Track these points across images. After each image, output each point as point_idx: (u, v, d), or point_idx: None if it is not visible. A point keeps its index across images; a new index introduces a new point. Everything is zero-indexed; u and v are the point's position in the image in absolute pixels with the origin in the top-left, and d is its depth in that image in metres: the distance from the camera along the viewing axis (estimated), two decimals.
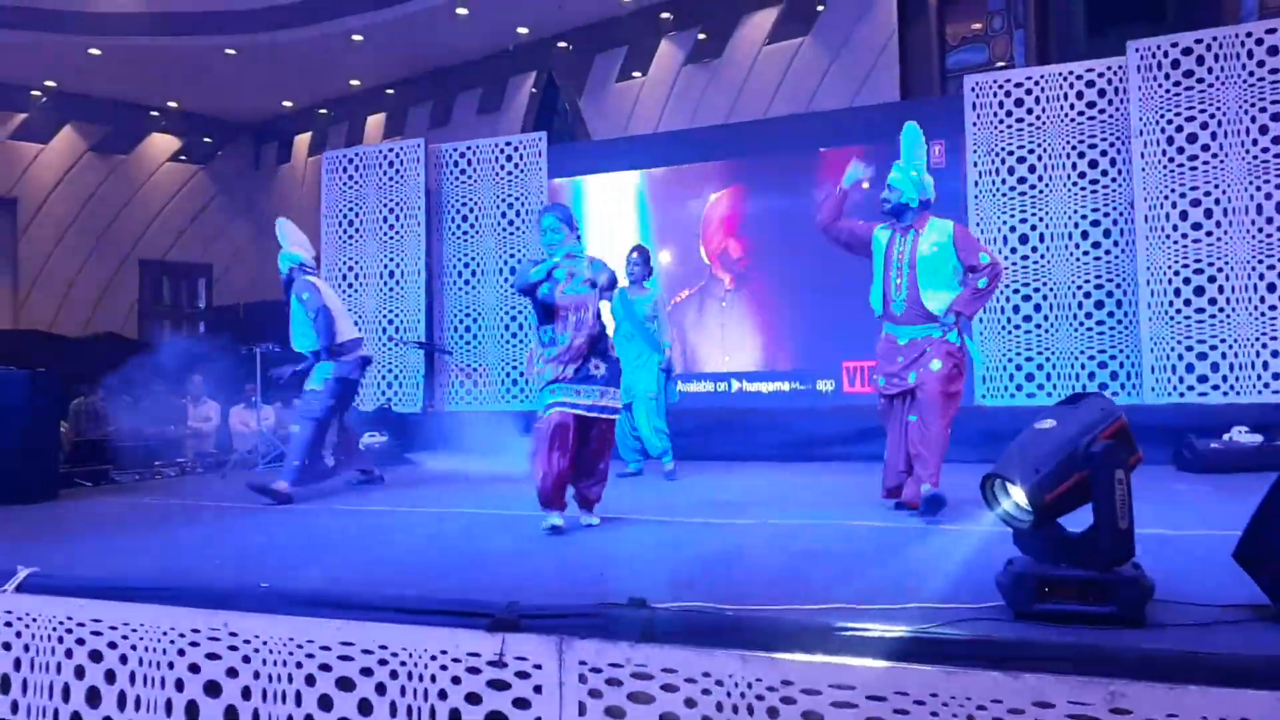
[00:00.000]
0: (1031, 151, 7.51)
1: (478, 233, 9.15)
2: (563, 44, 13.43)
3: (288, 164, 16.68)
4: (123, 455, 7.45)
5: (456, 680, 2.51)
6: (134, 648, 2.92)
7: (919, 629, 2.20)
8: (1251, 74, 6.84)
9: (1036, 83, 7.56)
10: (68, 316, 14.02)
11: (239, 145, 16.83)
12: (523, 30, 13.10)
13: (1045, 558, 2.32)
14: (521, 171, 9.08)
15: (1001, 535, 2.50)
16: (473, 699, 2.49)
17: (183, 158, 16.21)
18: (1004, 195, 7.55)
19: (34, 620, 3.07)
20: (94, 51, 13.07)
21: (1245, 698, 1.89)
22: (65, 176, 15.27)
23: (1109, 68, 7.38)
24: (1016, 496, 2.33)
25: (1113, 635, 2.13)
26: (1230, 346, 6.77)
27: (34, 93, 14.75)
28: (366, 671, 2.62)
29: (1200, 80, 6.96)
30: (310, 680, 2.68)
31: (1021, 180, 7.52)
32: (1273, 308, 6.68)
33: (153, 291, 15.78)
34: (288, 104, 15.98)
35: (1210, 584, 2.53)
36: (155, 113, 15.79)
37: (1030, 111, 7.53)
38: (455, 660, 2.51)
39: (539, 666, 2.42)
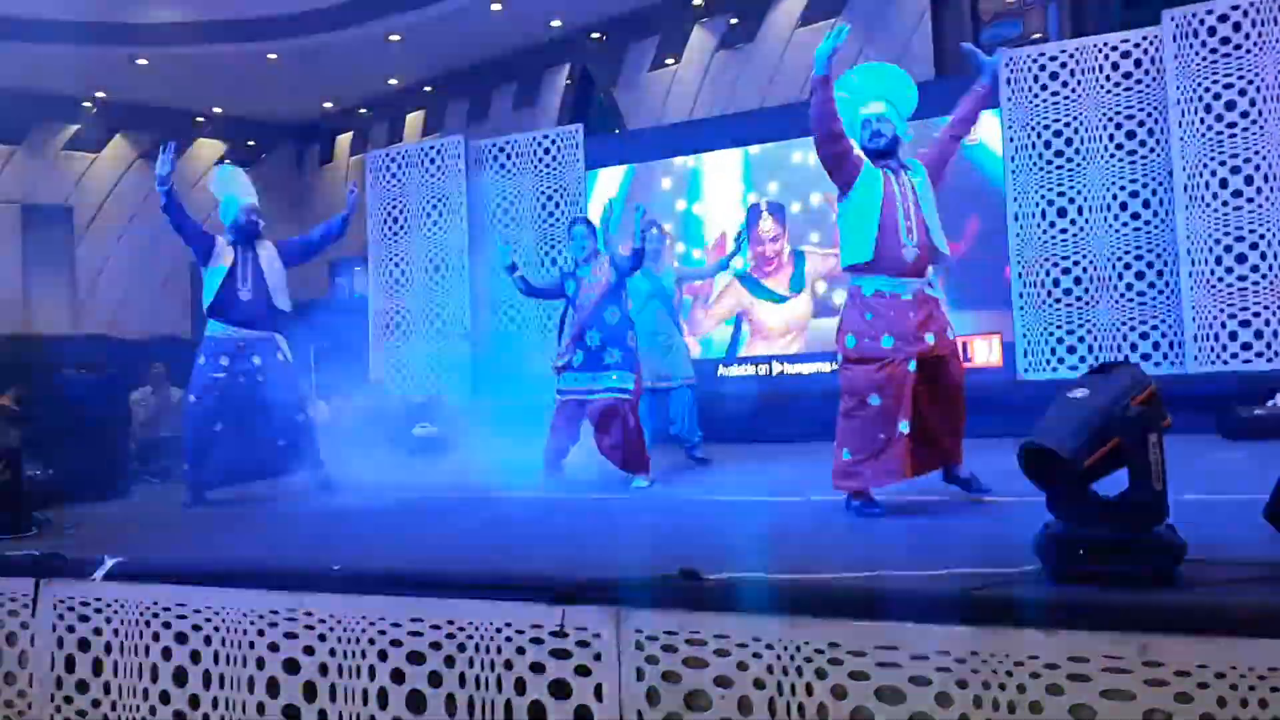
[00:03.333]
0: (1068, 125, 7.50)
1: (519, 225, 9.32)
2: (595, 35, 13.53)
3: (330, 164, 16.98)
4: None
5: (521, 651, 2.65)
6: (216, 629, 3.09)
7: (959, 591, 2.31)
8: None
9: (1071, 55, 7.54)
10: (125, 320, 14.43)
11: (282, 147, 17.17)
12: (556, 23, 13.20)
13: (1080, 521, 2.40)
14: (560, 164, 9.23)
15: (1037, 502, 2.59)
16: (536, 668, 2.63)
17: (228, 161, 16.59)
18: (1041, 169, 7.55)
19: (122, 606, 3.26)
20: (141, 62, 13.42)
21: (1271, 647, 1.97)
22: (117, 184, 15.71)
23: (1144, 38, 7.34)
24: (1047, 462, 2.42)
25: (1146, 593, 2.22)
26: (1274, 313, 6.74)
27: (85, 104, 15.18)
28: (435, 645, 2.77)
29: (1238, 47, 6.91)
30: (383, 655, 2.84)
31: (1059, 154, 7.52)
32: None
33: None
34: (328, 105, 16.27)
35: (1243, 544, 2.60)
36: (200, 119, 16.16)
37: (1065, 85, 7.52)
38: (519, 632, 2.65)
39: (598, 635, 2.55)
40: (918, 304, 3.92)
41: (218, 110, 16.15)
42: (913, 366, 3.85)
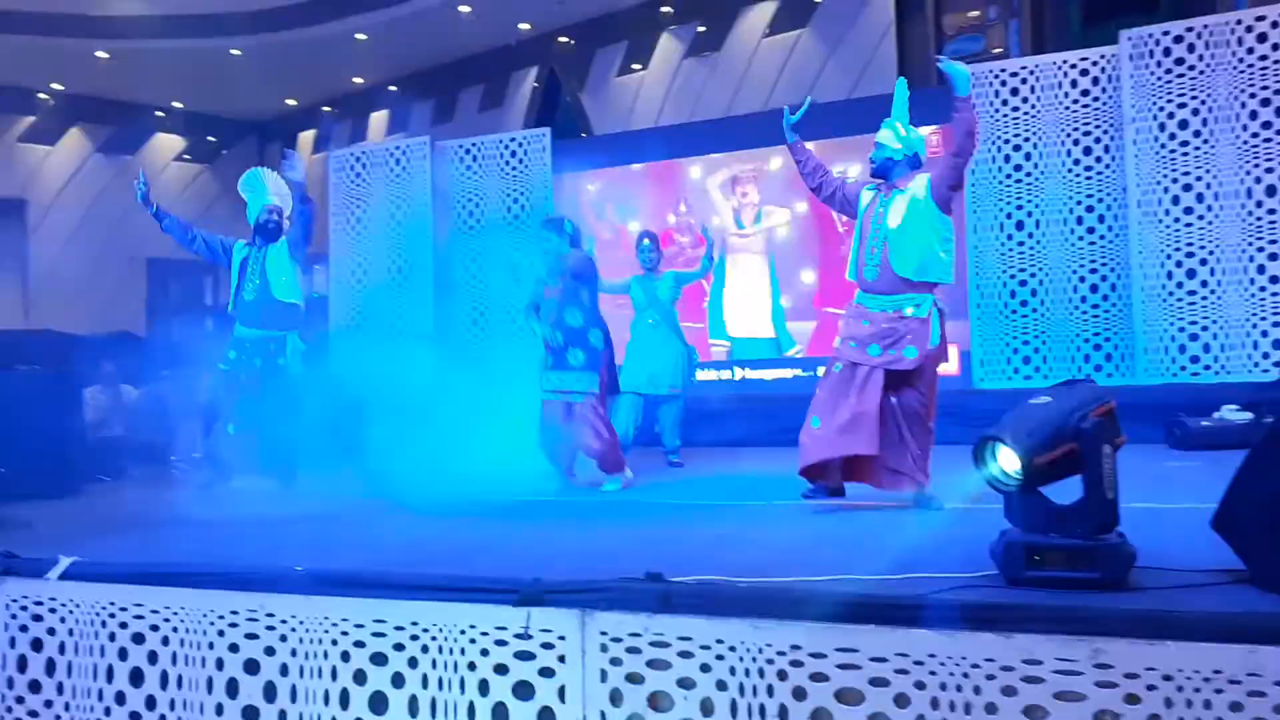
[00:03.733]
0: (1027, 139, 7.66)
1: (485, 227, 9.30)
2: (564, 39, 13.55)
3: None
4: (140, 450, 7.60)
5: (485, 652, 2.66)
6: (175, 630, 3.06)
7: (918, 595, 2.36)
8: (1242, 60, 6.98)
9: (1031, 72, 7.70)
10: (77, 316, 14.18)
11: (243, 144, 16.98)
12: (524, 26, 13.22)
13: (1035, 528, 2.48)
14: (526, 167, 9.23)
15: (993, 510, 2.66)
16: (500, 669, 2.64)
17: (188, 157, 16.38)
18: (1000, 183, 7.69)
19: (78, 606, 3.21)
20: (101, 54, 13.22)
21: (1216, 651, 2.04)
22: (73, 178, 15.44)
23: (1102, 56, 7.52)
24: (1007, 459, 2.49)
25: (1097, 597, 2.29)
26: (1221, 327, 6.93)
27: (41, 95, 14.91)
28: (399, 647, 2.77)
29: (1191, 68, 7.10)
30: (345, 656, 2.83)
31: (1018, 168, 7.67)
32: (1262, 289, 6.84)
33: (160, 290, 15.96)
34: (291, 102, 16.13)
35: (1191, 552, 2.68)
36: (160, 113, 15.93)
37: (1025, 100, 7.68)
38: (483, 634, 2.66)
39: (563, 638, 2.57)
40: (878, 318, 4.08)
41: (178, 105, 15.95)
42: (838, 369, 4.13)
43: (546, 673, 2.59)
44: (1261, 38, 6.93)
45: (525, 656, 2.61)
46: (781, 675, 2.35)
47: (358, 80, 15.25)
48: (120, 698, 3.10)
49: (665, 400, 6.47)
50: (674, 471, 6.21)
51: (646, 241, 6.64)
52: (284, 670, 2.90)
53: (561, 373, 5.26)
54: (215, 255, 5.83)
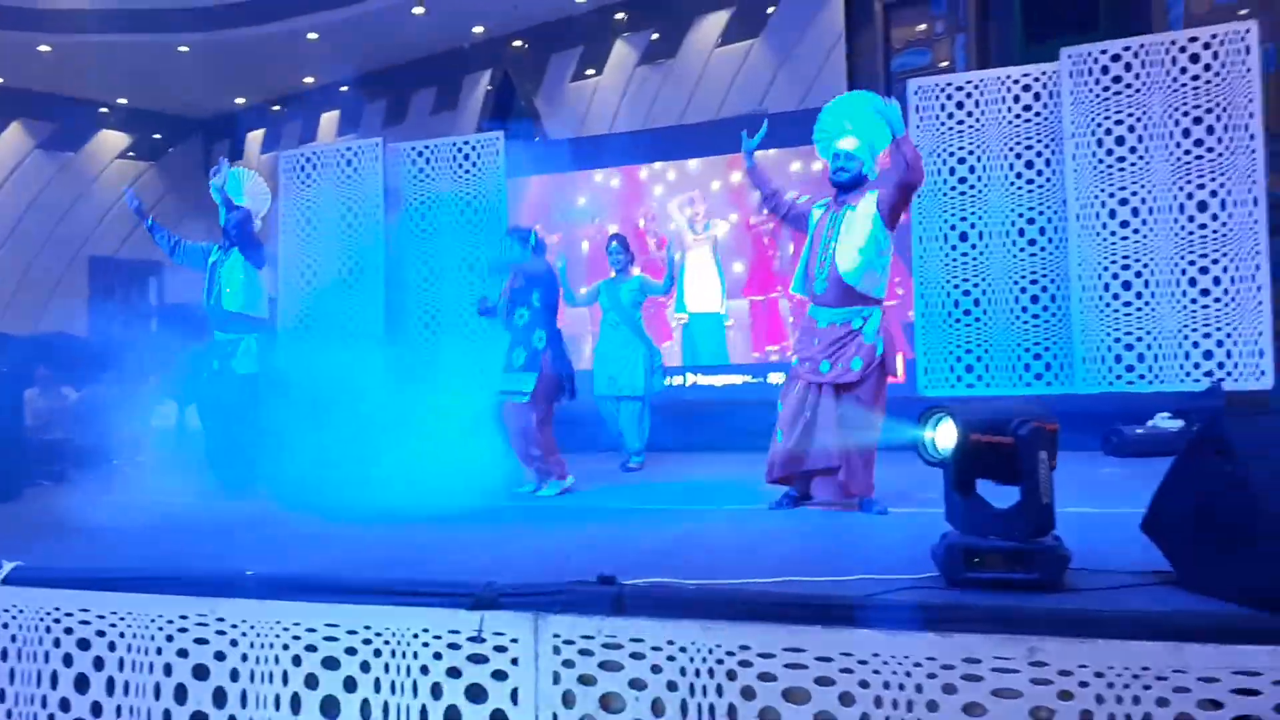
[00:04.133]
0: (971, 153, 7.84)
1: (436, 231, 9.27)
2: (518, 43, 13.54)
3: (240, 161, 16.57)
4: (81, 453, 7.45)
5: (438, 656, 2.68)
6: (121, 635, 3.03)
7: (862, 597, 2.44)
8: (1175, 79, 7.22)
9: (976, 86, 7.89)
10: (16, 315, 13.82)
11: (190, 142, 16.68)
12: (478, 29, 13.18)
13: (974, 531, 2.57)
14: (479, 170, 9.22)
15: (935, 513, 2.74)
16: (453, 673, 2.66)
17: (132, 154, 16.05)
18: (945, 195, 7.87)
19: (20, 611, 3.16)
20: (43, 48, 12.91)
21: (1144, 648, 2.14)
22: (13, 174, 15.04)
23: (1044, 73, 7.73)
24: (945, 434, 2.58)
25: (1033, 598, 2.39)
26: (1155, 338, 7.17)
27: None
28: (351, 651, 2.78)
29: (1129, 86, 7.33)
30: (297, 660, 2.83)
31: (962, 180, 7.85)
32: (1194, 301, 7.08)
33: (103, 289, 15.63)
34: (240, 101, 15.88)
35: (1122, 554, 2.80)
36: (104, 109, 15.59)
37: (970, 114, 7.86)
38: (436, 637, 2.68)
39: (515, 640, 2.60)
40: (826, 333, 4.22)
41: (123, 101, 15.61)
42: (796, 388, 4.29)
43: (499, 675, 2.61)
44: (1194, 58, 7.19)
45: (478, 660, 2.63)
46: (731, 675, 2.41)
47: (308, 80, 15.07)
48: (65, 704, 3.06)
49: (624, 401, 6.56)
50: (627, 475, 6.26)
51: (615, 244, 6.73)
52: (234, 675, 2.89)
53: (506, 373, 5.33)
54: (199, 263, 5.85)
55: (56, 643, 3.10)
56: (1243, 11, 8.95)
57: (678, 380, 9.14)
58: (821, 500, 4.40)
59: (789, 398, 4.31)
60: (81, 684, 3.06)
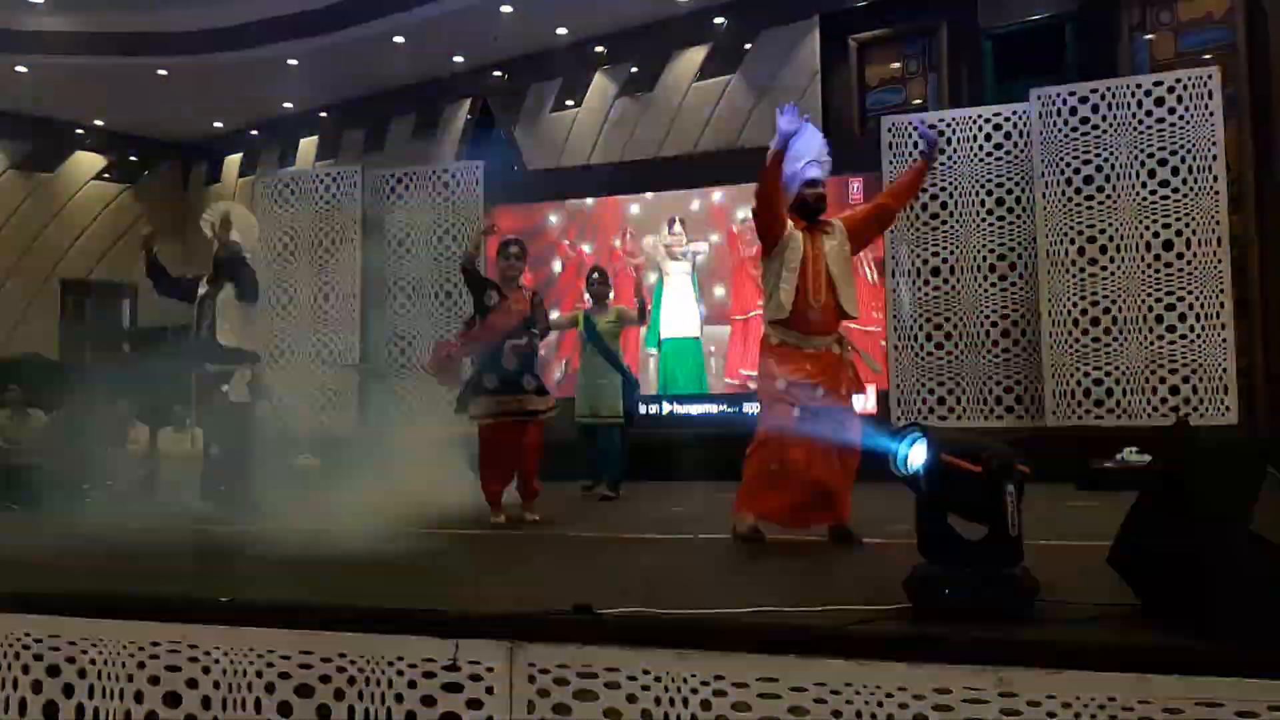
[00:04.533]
0: (944, 189, 7.99)
1: (415, 257, 9.29)
2: (498, 73, 13.64)
3: (217, 184, 16.50)
4: (50, 477, 7.36)
5: (412, 684, 2.67)
6: (92, 661, 3.00)
7: (835, 627, 2.47)
8: (1141, 122, 7.42)
9: (949, 125, 8.06)
10: None
11: (167, 165, 16.60)
12: (458, 59, 13.26)
13: (945, 561, 2.61)
14: (458, 198, 9.28)
15: (907, 544, 2.78)
16: (427, 701, 2.65)
17: (108, 176, 15.94)
18: (918, 230, 8.01)
19: None
20: (20, 69, 12.85)
21: (1111, 679, 2.18)
22: None
23: (1014, 112, 7.91)
24: (917, 451, 2.63)
25: (1002, 629, 2.42)
26: (1123, 373, 7.30)
27: None
28: (325, 679, 2.76)
29: (1095, 127, 7.52)
30: (270, 688, 2.81)
31: (934, 216, 8.00)
32: (1160, 337, 7.23)
33: (74, 312, 15.45)
34: (218, 125, 15.84)
35: (1090, 587, 2.84)
36: (81, 131, 15.49)
37: (943, 152, 8.01)
38: (411, 666, 2.67)
39: (491, 669, 2.60)
40: (816, 359, 4.18)
41: (100, 123, 15.53)
42: (798, 412, 4.12)
43: (474, 704, 2.61)
44: (1159, 101, 7.39)
45: (453, 688, 2.62)
46: (705, 705, 2.42)
47: (287, 105, 15.07)
48: None
49: (605, 428, 6.64)
50: (602, 504, 6.28)
51: (595, 275, 6.86)
52: (206, 703, 2.87)
53: (525, 394, 5.35)
54: (176, 293, 5.87)
55: (25, 669, 3.06)
56: (1206, 56, 9.19)
57: (654, 409, 9.17)
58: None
59: (788, 429, 4.14)
60: (50, 711, 3.01)
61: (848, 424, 4.19)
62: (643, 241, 9.78)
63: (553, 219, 9.95)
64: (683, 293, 9.85)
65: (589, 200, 9.81)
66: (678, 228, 9.92)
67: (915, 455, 2.64)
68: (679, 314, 9.81)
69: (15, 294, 14.46)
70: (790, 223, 4.24)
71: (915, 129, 4.50)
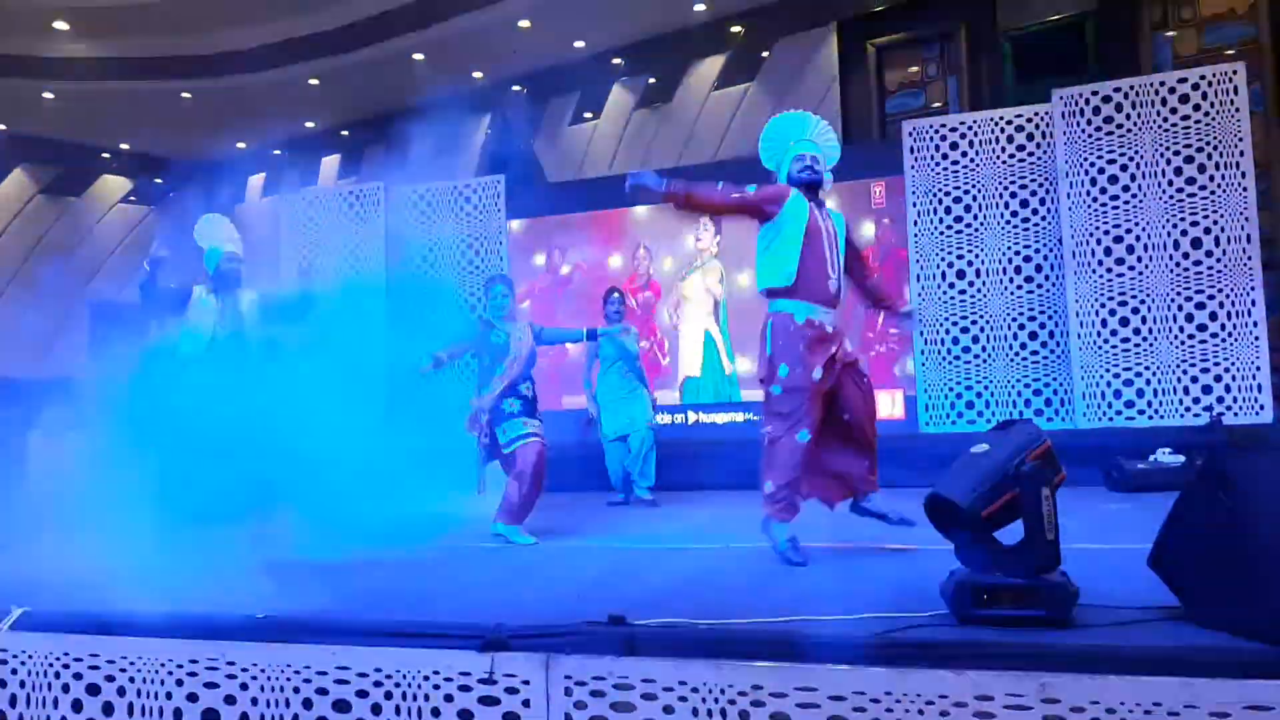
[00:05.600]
0: (967, 192, 7.95)
1: (438, 273, 9.34)
2: (517, 87, 13.73)
3: (241, 205, 16.70)
4: (86, 498, 7.42)
5: (449, 698, 2.68)
6: (131, 680, 3.03)
7: (874, 635, 2.45)
8: (1166, 120, 7.35)
9: (970, 127, 8.01)
10: (19, 359, 13.83)
11: (191, 186, 16.81)
12: (477, 75, 13.36)
13: (982, 568, 2.59)
14: (481, 213, 9.32)
15: (944, 550, 2.76)
16: (464, 715, 2.66)
17: (134, 199, 16.18)
18: (942, 233, 7.96)
19: (30, 657, 3.16)
20: (47, 95, 13.08)
21: (1155, 684, 2.16)
22: (15, 219, 15.14)
23: (1036, 113, 7.85)
24: (951, 512, 2.61)
25: (1043, 635, 2.40)
26: (1154, 374, 7.22)
27: None
28: (362, 694, 2.78)
29: (1119, 126, 7.46)
30: (308, 704, 2.83)
31: (958, 219, 7.94)
32: (1191, 337, 7.14)
33: (102, 333, 15.65)
34: (241, 145, 16.04)
35: (1129, 590, 2.81)
36: (106, 154, 15.74)
37: (965, 154, 7.98)
38: (447, 679, 2.68)
39: (527, 682, 2.60)
40: (835, 336, 4.09)
41: (125, 146, 15.77)
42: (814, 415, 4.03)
43: (511, 718, 2.61)
44: (1184, 99, 7.32)
45: (489, 702, 2.63)
46: (743, 715, 2.41)
47: (310, 125, 15.24)
48: None
49: (639, 434, 6.84)
50: (634, 514, 6.32)
51: (616, 295, 6.97)
52: (244, 719, 2.89)
53: (532, 417, 5.34)
54: (170, 306, 5.73)
55: (65, 688, 3.10)
56: (1229, 52, 9.11)
57: (679, 418, 9.15)
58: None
59: (811, 420, 3.99)
60: None
61: (865, 390, 4.16)
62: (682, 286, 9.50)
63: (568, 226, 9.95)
64: (694, 342, 9.36)
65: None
66: (702, 232, 9.57)
67: (955, 515, 2.61)
68: (693, 361, 9.38)
69: (47, 316, 14.67)
70: (791, 191, 4.14)
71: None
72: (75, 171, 15.54)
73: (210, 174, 16.93)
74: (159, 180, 16.49)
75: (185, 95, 13.41)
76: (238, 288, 5.62)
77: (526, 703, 2.60)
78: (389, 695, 2.75)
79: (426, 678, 2.71)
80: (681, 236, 9.41)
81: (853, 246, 4.34)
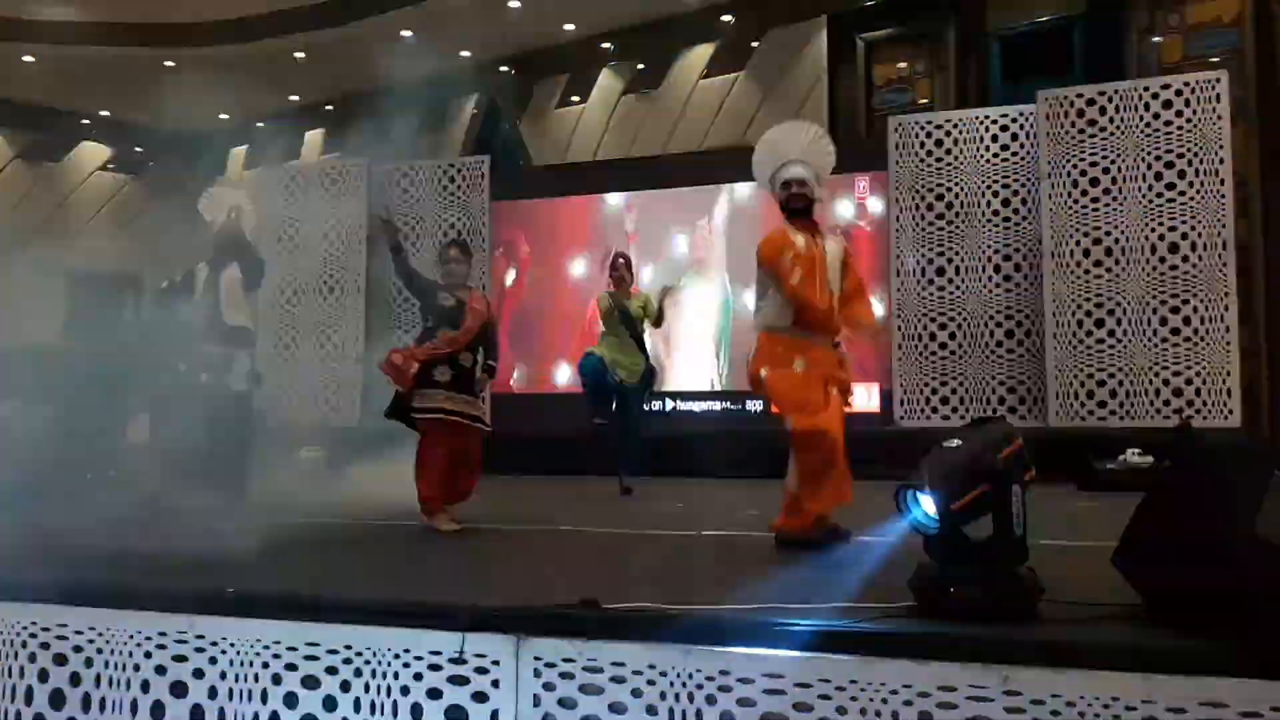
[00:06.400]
0: (950, 189, 7.99)
1: (419, 252, 9.28)
2: (504, 68, 13.64)
3: (223, 177, 16.52)
4: (55, 467, 7.36)
5: (418, 677, 2.68)
6: (99, 651, 3.01)
7: (841, 624, 2.48)
8: (1148, 125, 7.41)
9: (955, 125, 8.05)
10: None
11: (172, 157, 16.61)
12: (465, 54, 13.27)
13: (950, 561, 2.62)
14: (464, 193, 9.28)
15: (912, 542, 2.80)
16: (433, 694, 2.66)
17: (112, 167, 15.97)
18: (924, 230, 8.01)
19: None
20: (28, 59, 12.87)
21: (1115, 679, 2.20)
22: None
23: (1021, 113, 7.90)
24: (926, 505, 2.63)
25: (1007, 628, 2.44)
26: (1127, 375, 7.30)
27: None
28: (331, 670, 2.78)
29: (1102, 129, 7.52)
30: (276, 679, 2.83)
31: (940, 216, 7.99)
32: (1164, 340, 7.23)
33: (80, 302, 15.47)
34: (224, 116, 15.85)
35: (1094, 587, 2.85)
36: (86, 121, 15.52)
37: (949, 152, 8.02)
38: (417, 658, 2.69)
39: (497, 663, 2.61)
40: (825, 352, 4.10)
41: (105, 113, 15.55)
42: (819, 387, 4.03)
43: (480, 697, 2.62)
44: (1167, 104, 7.38)
45: (459, 681, 2.64)
46: (710, 700, 2.43)
47: (294, 98, 15.08)
48: None
49: (624, 401, 6.58)
50: (608, 499, 6.28)
51: (621, 260, 6.80)
52: (212, 693, 2.88)
53: (451, 394, 4.85)
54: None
55: (32, 657, 3.08)
56: (1214, 60, 9.18)
57: (657, 405, 9.17)
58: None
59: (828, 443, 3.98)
60: (57, 700, 3.03)
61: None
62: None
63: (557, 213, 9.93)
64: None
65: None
66: (701, 232, 9.34)
67: (927, 506, 2.63)
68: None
69: (21, 284, 14.47)
70: (783, 234, 4.12)
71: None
72: (54, 138, 15.33)
73: (191, 145, 16.75)
74: (139, 149, 16.28)
75: (168, 64, 13.24)
76: (234, 261, 5.62)
77: (496, 683, 2.61)
78: (359, 672, 2.75)
79: (397, 656, 2.71)
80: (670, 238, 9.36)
81: (851, 273, 4.29)
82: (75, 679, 3.03)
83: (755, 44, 12.07)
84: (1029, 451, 2.69)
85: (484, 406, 5.10)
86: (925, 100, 10.99)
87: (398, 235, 5.13)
